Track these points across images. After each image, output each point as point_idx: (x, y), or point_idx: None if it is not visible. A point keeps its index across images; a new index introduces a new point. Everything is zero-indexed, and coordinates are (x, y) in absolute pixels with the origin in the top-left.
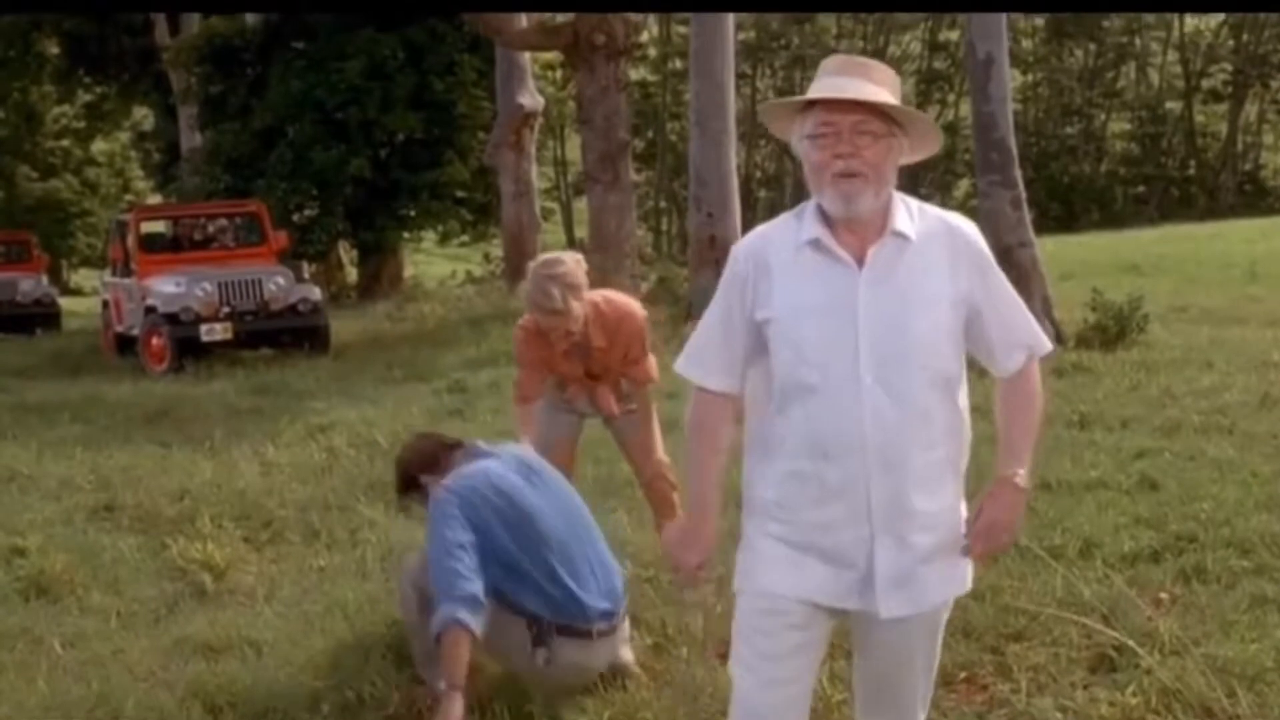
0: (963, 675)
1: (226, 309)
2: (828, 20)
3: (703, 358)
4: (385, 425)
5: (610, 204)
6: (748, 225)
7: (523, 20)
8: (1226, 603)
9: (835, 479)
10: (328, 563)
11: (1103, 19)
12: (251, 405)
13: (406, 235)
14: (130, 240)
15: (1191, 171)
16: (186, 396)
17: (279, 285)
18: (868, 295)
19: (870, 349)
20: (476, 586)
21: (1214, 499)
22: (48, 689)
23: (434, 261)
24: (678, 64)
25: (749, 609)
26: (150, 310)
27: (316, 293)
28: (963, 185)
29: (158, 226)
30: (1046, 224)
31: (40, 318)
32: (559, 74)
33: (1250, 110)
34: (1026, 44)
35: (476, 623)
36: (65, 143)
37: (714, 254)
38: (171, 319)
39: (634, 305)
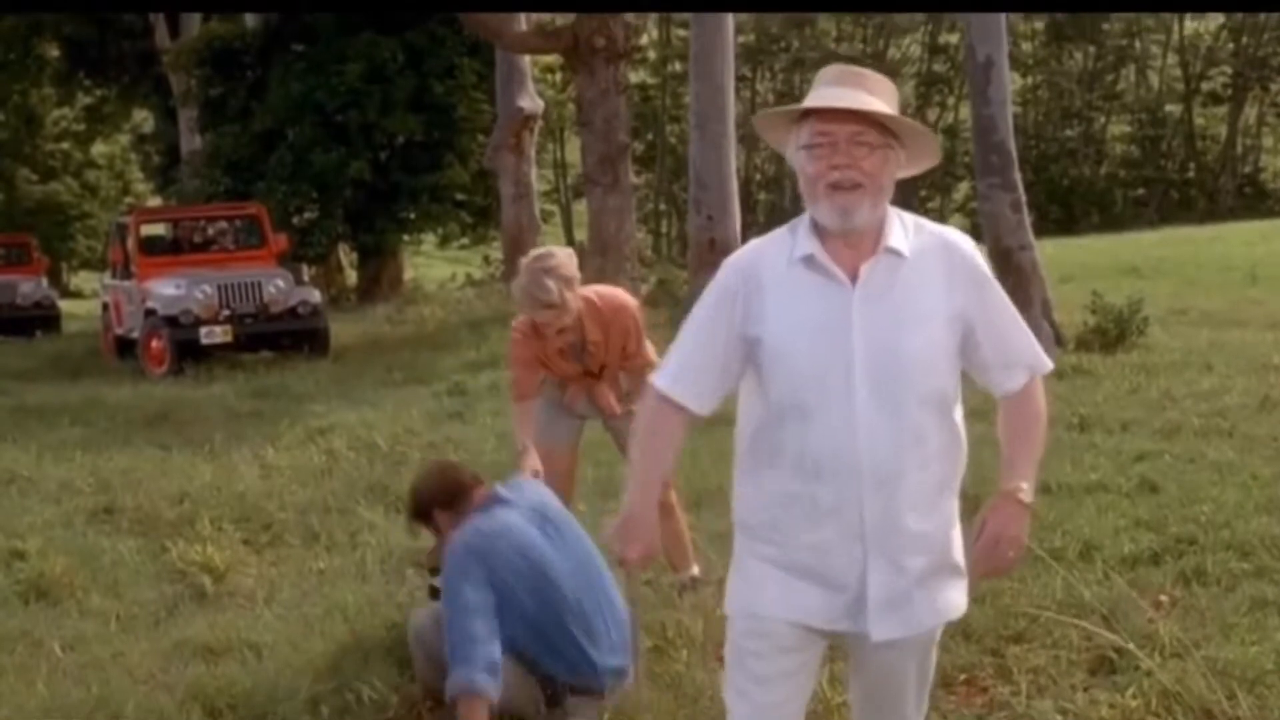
0: (963, 677)
1: (226, 312)
2: (828, 23)
3: (681, 374)
4: (385, 428)
5: (610, 206)
6: (747, 228)
7: (522, 23)
8: (1227, 605)
9: (827, 500)
10: (327, 565)
11: (1102, 22)
12: (251, 408)
13: (406, 238)
14: (130, 243)
15: (1191, 174)
16: (186, 399)
17: (279, 288)
18: (861, 314)
19: (863, 368)
20: (496, 651)
21: (1214, 501)
22: (47, 692)
23: (434, 264)
24: (677, 67)
25: (741, 631)
26: (150, 313)
27: (316, 295)
28: (962, 188)
29: (158, 229)
30: (1046, 227)
31: (40, 320)
32: (559, 77)
33: (1250, 113)
34: (1026, 47)
35: (495, 688)
36: (65, 145)
37: (714, 257)
38: (171, 322)
39: (626, 297)
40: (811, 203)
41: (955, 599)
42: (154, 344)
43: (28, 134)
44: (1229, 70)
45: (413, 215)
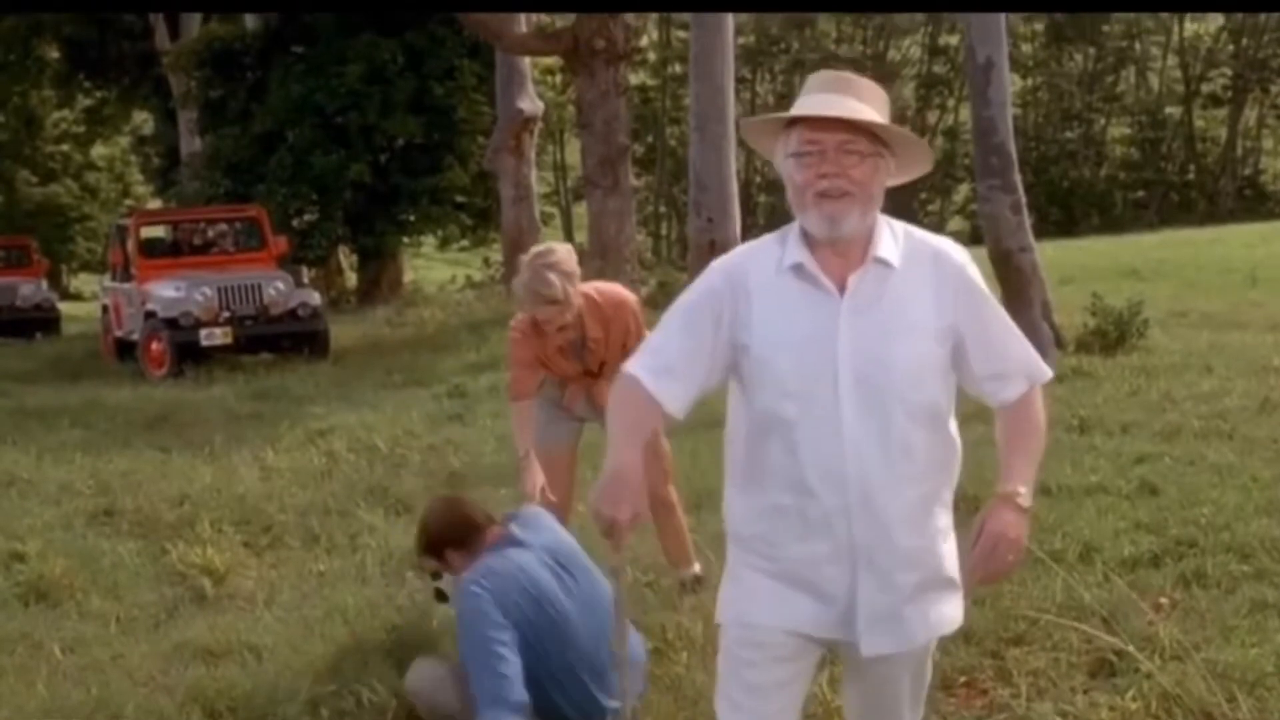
0: (962, 680)
1: (226, 314)
2: (828, 25)
3: (662, 373)
4: (385, 430)
5: (610, 209)
6: (748, 230)
7: (523, 25)
8: (1227, 608)
9: (817, 514)
10: (327, 568)
11: (1102, 24)
12: (251, 410)
13: (406, 240)
14: (130, 245)
15: (1191, 176)
16: (186, 401)
17: (279, 290)
18: (848, 326)
19: (850, 381)
20: (524, 693)
21: (1214, 504)
22: (47, 694)
23: (434, 266)
24: (677, 68)
25: (734, 641)
26: (150, 315)
27: (316, 297)
28: (962, 190)
29: (157, 231)
30: (1046, 229)
31: (40, 322)
32: (559, 79)
33: (1250, 115)
34: (1026, 48)
35: None
36: (65, 147)
37: (714, 258)
38: (171, 324)
39: (626, 292)
40: (800, 211)
41: (948, 614)
42: (154, 346)
43: (28, 136)
44: (1229, 72)
45: (413, 217)
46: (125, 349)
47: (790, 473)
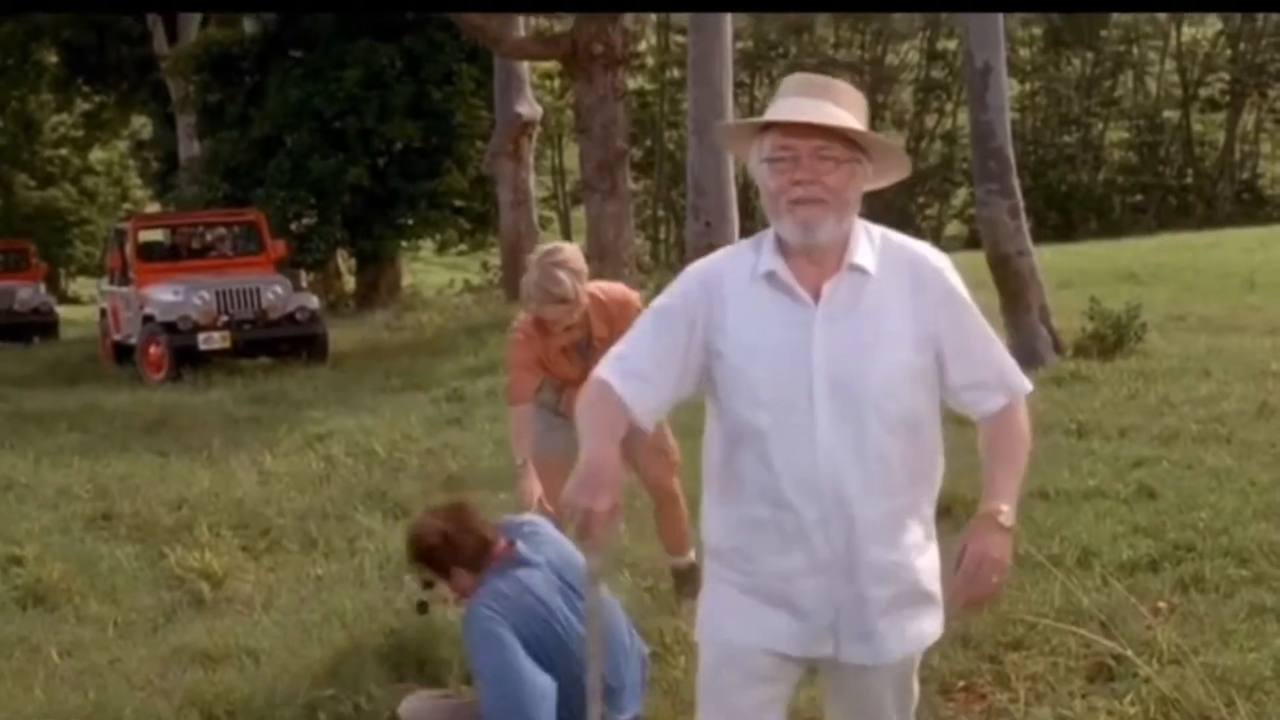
0: (961, 684)
1: (224, 318)
2: (826, 29)
3: (616, 366)
4: (383, 434)
5: (608, 213)
6: (746, 234)
7: (521, 29)
8: (1225, 612)
9: (793, 526)
10: (325, 571)
11: (1100, 28)
12: (249, 414)
13: (404, 244)
14: (128, 249)
15: (1189, 180)
16: (184, 405)
17: (277, 294)
18: (823, 334)
19: (825, 391)
20: (551, 714)
21: (1212, 508)
22: (45, 698)
23: (432, 270)
24: (675, 73)
25: (712, 662)
26: (148, 319)
27: (314, 301)
28: (961, 194)
29: (156, 235)
30: (1044, 233)
31: (38, 326)
32: (557, 83)
33: (1248, 119)
34: (1024, 53)
35: None
36: (63, 151)
37: None
38: (169, 328)
39: (630, 292)
40: (774, 218)
41: (926, 628)
42: (152, 350)
43: (26, 140)
44: (1227, 76)
45: (411, 221)
46: (123, 353)
47: (765, 484)
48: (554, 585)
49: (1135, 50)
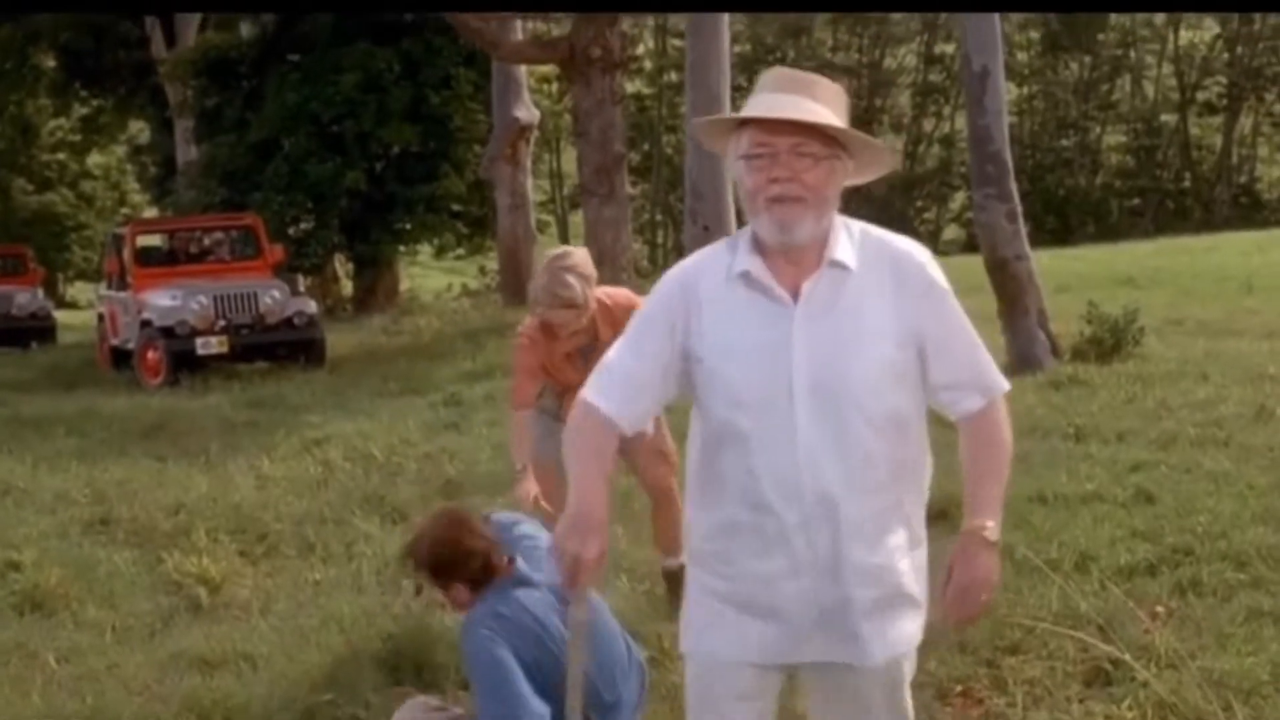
0: (958, 689)
1: (222, 322)
2: (823, 33)
3: (601, 381)
4: (381, 439)
5: (606, 217)
6: None
7: (519, 33)
8: (1223, 616)
9: (774, 529)
10: (323, 576)
11: (1098, 32)
12: (247, 419)
13: (402, 248)
14: (126, 253)
15: (1187, 184)
16: (182, 410)
17: (275, 298)
18: (803, 334)
19: (806, 391)
20: None
21: (1210, 512)
22: (42, 703)
23: (430, 274)
24: (673, 77)
25: (698, 672)
26: (146, 324)
27: (312, 306)
28: (958, 198)
29: (153, 240)
30: (1042, 237)
31: (36, 331)
32: (555, 87)
33: (1245, 123)
34: (1022, 57)
35: None
36: (61, 156)
37: None
38: (167, 332)
39: (635, 297)
40: (752, 216)
41: (907, 630)
42: (150, 355)
43: (23, 144)
44: (1224, 80)
45: (408, 225)
46: (121, 358)
47: (746, 487)
48: (551, 605)
49: (1132, 54)
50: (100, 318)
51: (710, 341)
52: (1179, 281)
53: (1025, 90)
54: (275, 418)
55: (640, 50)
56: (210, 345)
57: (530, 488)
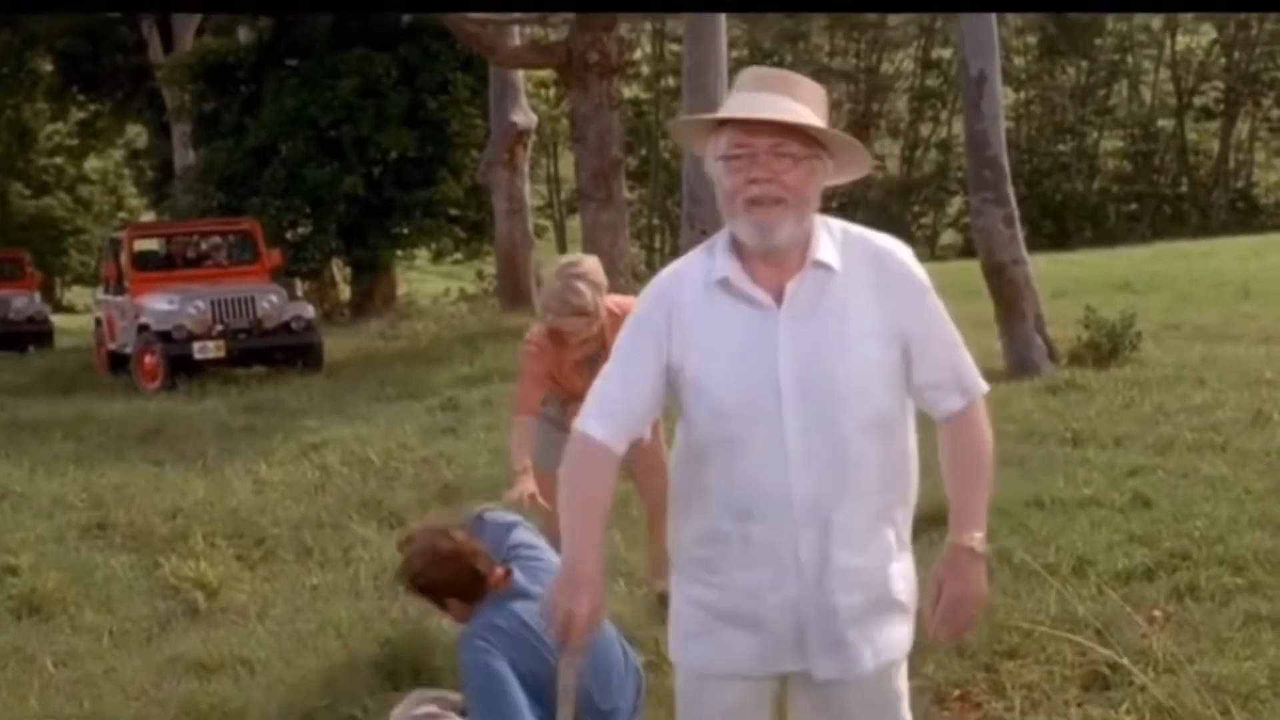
0: (956, 693)
1: (219, 327)
2: (820, 38)
3: (594, 407)
4: (378, 443)
5: (603, 222)
6: None
7: (516, 38)
8: (1220, 620)
9: (761, 539)
10: (320, 581)
11: (1095, 37)
12: (244, 423)
13: (400, 253)
14: (123, 258)
15: (1184, 189)
16: (179, 414)
17: (272, 303)
18: (788, 337)
19: (794, 397)
20: None
21: (1207, 516)
22: (40, 707)
23: (427, 279)
24: (670, 82)
25: (684, 689)
26: (143, 328)
27: (310, 310)
28: (955, 203)
29: (151, 244)
30: (1039, 241)
31: (33, 335)
32: (552, 92)
33: (1242, 128)
34: (1019, 62)
35: None
36: (58, 160)
37: None
38: (164, 337)
39: None
40: (730, 218)
41: (896, 637)
42: (147, 359)
43: (21, 149)
44: (1221, 85)
45: (406, 230)
46: (118, 362)
47: (731, 496)
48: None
49: (1130, 59)
50: (97, 322)
51: (693, 351)
52: (1176, 286)
53: (1022, 95)
54: (272, 422)
55: (638, 55)
56: (207, 350)
57: (528, 486)
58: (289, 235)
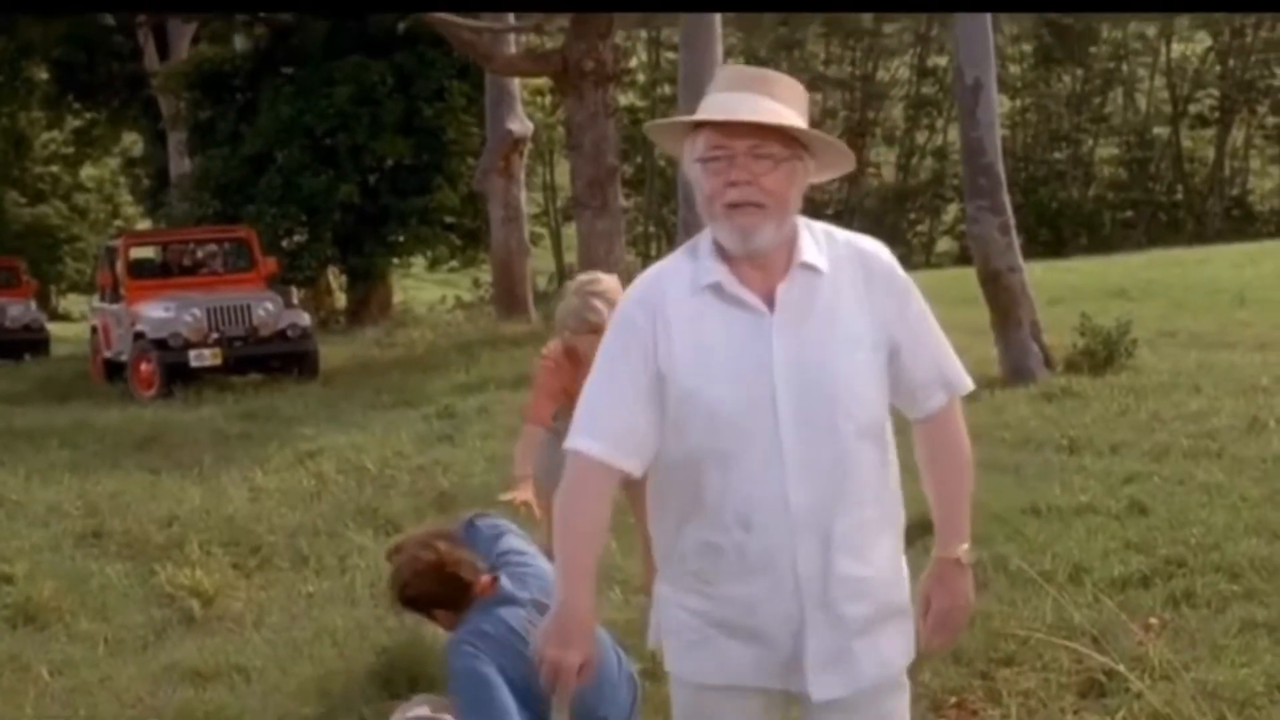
0: (953, 700)
1: (215, 334)
2: (816, 45)
3: (581, 421)
4: (374, 451)
5: (599, 229)
6: None
7: (512, 46)
8: (1216, 627)
9: (757, 551)
10: (316, 589)
11: (1090, 45)
12: (240, 431)
13: (395, 261)
14: (119, 266)
15: (1179, 196)
16: (175, 422)
17: (268, 311)
18: (782, 342)
19: (790, 404)
20: None
21: (1203, 523)
22: (35, 716)
23: (423, 287)
24: (666, 89)
25: (682, 699)
26: (139, 336)
27: (305, 318)
28: (951, 210)
29: (147, 252)
30: (1035, 249)
31: (29, 343)
32: (548, 100)
33: (1237, 135)
34: (1014, 69)
35: None
36: (54, 168)
37: None
38: (160, 345)
39: None
40: (710, 222)
41: (901, 646)
42: (143, 367)
43: (16, 157)
44: (1216, 93)
45: (402, 238)
46: (114, 370)
47: (725, 509)
48: (534, 618)
49: (1125, 67)
50: (93, 330)
51: (683, 360)
52: (1171, 294)
53: (1018, 103)
54: (268, 430)
55: (633, 63)
56: (203, 357)
57: (525, 494)
58: (285, 243)
